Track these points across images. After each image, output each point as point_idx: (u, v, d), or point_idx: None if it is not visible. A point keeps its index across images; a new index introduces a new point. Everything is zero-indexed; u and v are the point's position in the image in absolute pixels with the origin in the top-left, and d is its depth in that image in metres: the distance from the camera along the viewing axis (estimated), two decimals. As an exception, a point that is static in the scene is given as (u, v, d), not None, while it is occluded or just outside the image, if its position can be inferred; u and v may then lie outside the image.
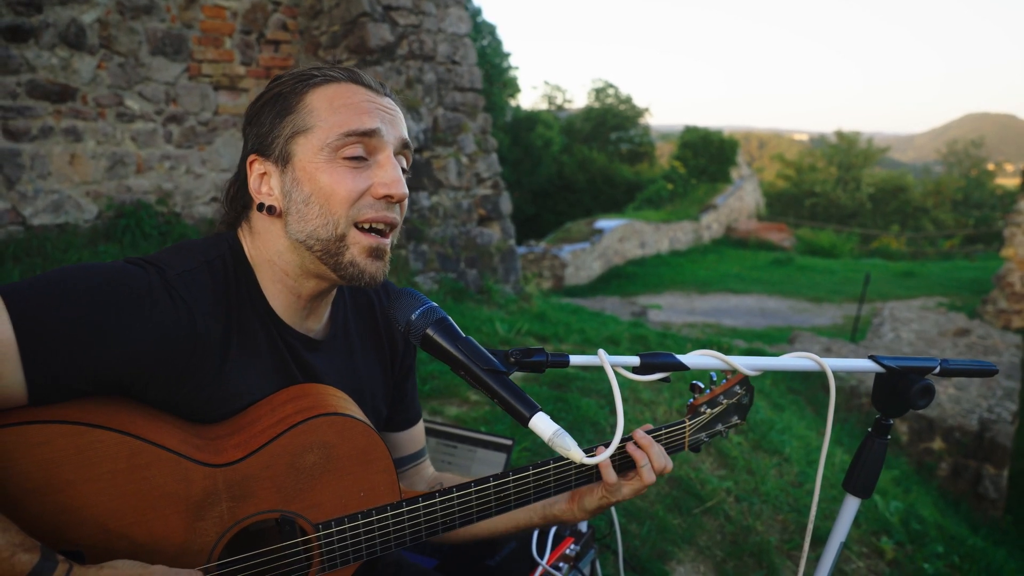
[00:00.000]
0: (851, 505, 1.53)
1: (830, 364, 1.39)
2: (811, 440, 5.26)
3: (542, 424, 1.11)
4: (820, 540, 3.44)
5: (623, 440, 1.47)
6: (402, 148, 1.30)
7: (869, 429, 1.50)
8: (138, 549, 1.11)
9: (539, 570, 2.01)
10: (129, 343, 1.10)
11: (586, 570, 2.27)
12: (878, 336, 9.98)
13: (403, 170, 1.30)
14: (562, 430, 1.11)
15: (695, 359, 1.30)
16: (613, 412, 4.45)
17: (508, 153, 28.24)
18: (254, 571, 1.23)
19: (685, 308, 15.32)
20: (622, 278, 19.97)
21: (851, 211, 41.05)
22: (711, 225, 27.73)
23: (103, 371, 1.10)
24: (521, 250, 19.36)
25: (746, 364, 1.33)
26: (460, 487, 1.36)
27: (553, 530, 2.18)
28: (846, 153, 44.85)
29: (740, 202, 31.01)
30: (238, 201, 1.33)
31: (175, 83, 6.51)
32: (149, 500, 1.12)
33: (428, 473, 1.71)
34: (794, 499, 3.97)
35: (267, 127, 1.25)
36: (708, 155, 31.01)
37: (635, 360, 1.26)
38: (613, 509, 2.34)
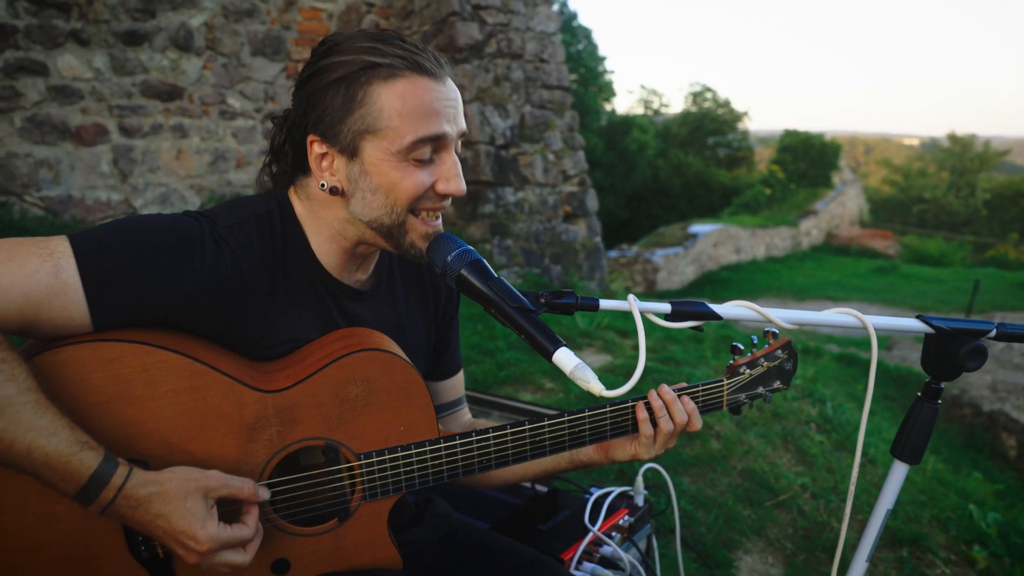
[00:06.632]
0: (899, 471, 1.50)
1: (873, 321, 1.37)
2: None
3: (564, 358, 1.15)
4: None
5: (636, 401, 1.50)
6: (460, 137, 1.37)
7: (919, 393, 1.45)
8: (195, 463, 1.22)
9: (589, 536, 2.03)
10: (181, 287, 1.21)
11: (641, 544, 2.27)
12: (985, 345, 9.43)
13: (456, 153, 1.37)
14: (584, 364, 1.14)
15: (728, 309, 1.30)
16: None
17: (602, 157, 28.13)
18: (300, 493, 1.32)
19: (779, 314, 14.89)
20: (716, 283, 19.60)
21: (964, 218, 38.96)
22: (810, 231, 26.87)
23: (158, 311, 1.21)
24: (613, 254, 19.25)
25: (783, 317, 1.33)
26: (496, 428, 1.41)
27: (608, 501, 2.20)
28: (960, 157, 42.62)
29: (842, 208, 29.92)
30: (287, 167, 1.39)
31: (273, 82, 6.83)
32: (207, 419, 1.23)
33: (465, 419, 1.77)
34: (876, 500, 3.82)
35: (333, 116, 1.27)
36: (808, 159, 30.09)
37: (666, 307, 1.28)
38: (672, 490, 2.33)
